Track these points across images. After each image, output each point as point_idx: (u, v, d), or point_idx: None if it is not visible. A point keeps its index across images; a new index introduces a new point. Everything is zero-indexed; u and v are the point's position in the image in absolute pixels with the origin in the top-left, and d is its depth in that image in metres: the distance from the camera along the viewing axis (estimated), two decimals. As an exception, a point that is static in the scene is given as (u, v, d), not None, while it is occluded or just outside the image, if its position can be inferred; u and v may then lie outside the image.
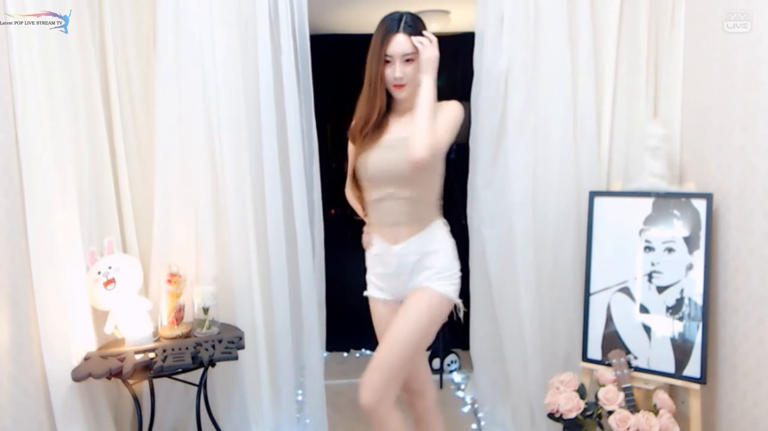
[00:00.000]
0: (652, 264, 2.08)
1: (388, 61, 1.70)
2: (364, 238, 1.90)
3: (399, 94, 1.73)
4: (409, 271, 1.76)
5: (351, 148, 1.85)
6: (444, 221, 1.83)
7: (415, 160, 1.60)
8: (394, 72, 1.68)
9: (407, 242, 1.74)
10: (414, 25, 1.70)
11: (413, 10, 3.23)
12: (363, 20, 3.42)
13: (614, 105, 2.33)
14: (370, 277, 1.88)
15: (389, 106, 1.78)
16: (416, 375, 1.86)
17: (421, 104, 1.66)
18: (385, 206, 1.75)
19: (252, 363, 2.39)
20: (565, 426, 1.99)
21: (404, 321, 1.68)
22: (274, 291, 2.38)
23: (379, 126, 1.76)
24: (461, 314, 1.81)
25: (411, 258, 1.74)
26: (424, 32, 1.72)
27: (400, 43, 1.67)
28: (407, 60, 1.68)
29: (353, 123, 1.82)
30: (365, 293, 1.90)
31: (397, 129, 1.75)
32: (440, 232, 1.78)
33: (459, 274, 1.78)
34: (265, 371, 2.44)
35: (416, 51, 1.69)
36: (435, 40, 1.72)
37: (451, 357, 3.29)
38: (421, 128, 1.62)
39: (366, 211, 1.88)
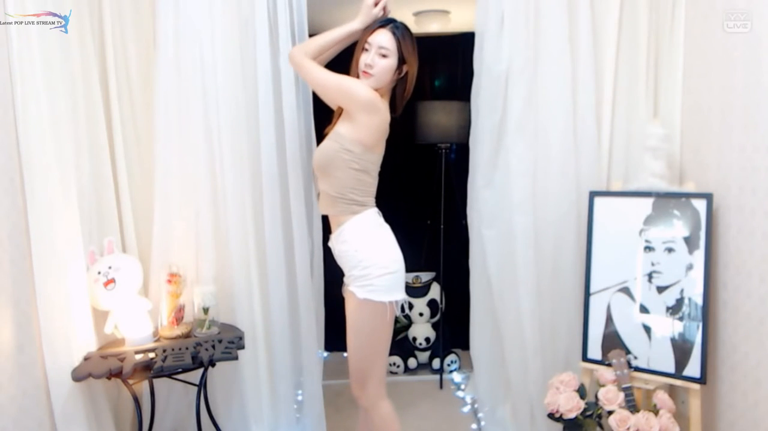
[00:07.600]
0: (652, 264, 2.08)
1: (366, 49, 1.80)
2: None
3: (363, 81, 1.81)
4: (341, 260, 1.87)
5: None
6: (365, 215, 1.82)
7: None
8: (367, 59, 1.78)
9: (335, 232, 1.88)
10: (402, 30, 1.81)
11: (413, 10, 3.27)
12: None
13: (614, 105, 2.33)
14: None
15: None
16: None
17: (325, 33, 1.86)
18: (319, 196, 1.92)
19: (251, 363, 2.39)
20: (565, 426, 1.99)
21: (350, 332, 1.85)
22: (273, 291, 2.37)
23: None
24: (405, 307, 1.87)
25: (336, 247, 1.87)
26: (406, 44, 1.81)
27: (381, 35, 1.79)
28: (383, 55, 1.78)
29: None
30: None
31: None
32: (356, 229, 1.81)
33: (382, 271, 1.76)
34: (264, 371, 2.44)
35: (394, 49, 1.78)
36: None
37: (451, 357, 3.29)
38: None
39: None
